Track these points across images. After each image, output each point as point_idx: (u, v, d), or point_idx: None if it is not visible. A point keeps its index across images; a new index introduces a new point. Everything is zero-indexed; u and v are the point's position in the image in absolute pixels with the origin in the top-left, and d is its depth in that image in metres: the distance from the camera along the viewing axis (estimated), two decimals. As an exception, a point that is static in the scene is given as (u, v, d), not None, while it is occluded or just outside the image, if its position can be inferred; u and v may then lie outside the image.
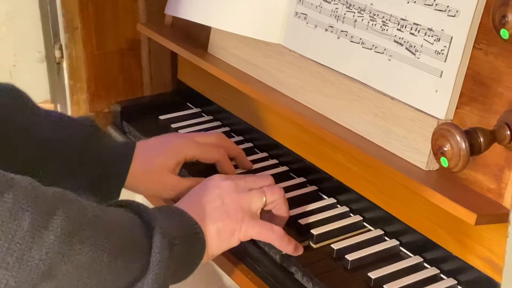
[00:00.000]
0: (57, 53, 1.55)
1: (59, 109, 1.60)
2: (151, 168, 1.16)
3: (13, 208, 0.74)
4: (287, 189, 1.16)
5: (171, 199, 1.17)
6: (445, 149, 0.82)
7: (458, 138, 0.81)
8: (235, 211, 1.01)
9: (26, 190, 0.76)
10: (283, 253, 1.05)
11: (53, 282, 0.78)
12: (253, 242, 1.08)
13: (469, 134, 0.81)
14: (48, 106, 1.60)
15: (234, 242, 1.01)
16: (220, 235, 0.99)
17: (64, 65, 1.55)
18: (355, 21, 1.09)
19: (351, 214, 1.15)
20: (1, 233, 0.73)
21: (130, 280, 0.87)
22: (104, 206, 0.91)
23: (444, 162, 0.83)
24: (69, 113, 1.56)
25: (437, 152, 0.84)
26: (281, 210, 1.07)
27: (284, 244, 1.03)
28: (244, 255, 1.09)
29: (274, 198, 1.06)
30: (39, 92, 1.57)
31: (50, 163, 1.12)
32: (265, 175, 1.13)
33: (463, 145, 0.80)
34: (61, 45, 1.54)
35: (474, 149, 0.81)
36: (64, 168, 1.13)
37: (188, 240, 0.94)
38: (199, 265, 0.97)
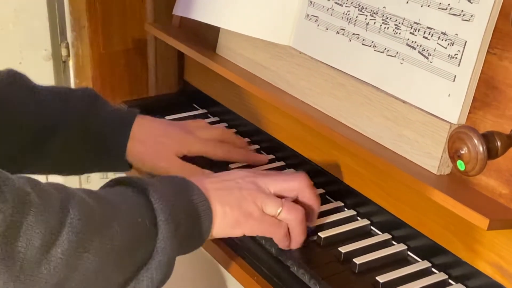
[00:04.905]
0: (63, 51, 1.56)
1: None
2: (152, 140, 1.17)
3: (27, 230, 0.75)
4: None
5: (161, 172, 1.17)
6: (462, 152, 0.82)
7: (476, 141, 0.80)
8: (247, 204, 0.99)
9: (37, 206, 0.76)
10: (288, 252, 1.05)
11: None
12: (261, 245, 1.08)
13: (486, 138, 0.81)
14: (53, 104, 1.60)
15: (236, 233, 1.00)
16: (224, 220, 0.98)
17: (70, 63, 1.55)
18: (367, 24, 1.09)
19: (358, 218, 1.14)
20: (16, 253, 0.74)
21: (135, 269, 0.87)
22: (108, 188, 0.92)
23: (461, 165, 0.83)
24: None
25: (454, 155, 0.84)
26: (295, 231, 1.04)
27: (285, 244, 1.03)
28: (250, 255, 1.09)
29: (289, 217, 1.02)
30: (44, 90, 1.57)
31: (54, 135, 1.13)
32: (299, 174, 1.07)
33: (481, 149, 0.80)
34: (67, 44, 1.55)
35: (491, 153, 0.81)
36: (68, 139, 1.14)
37: (195, 218, 0.94)
38: (204, 242, 0.97)
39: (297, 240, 1.04)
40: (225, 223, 0.98)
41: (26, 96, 1.13)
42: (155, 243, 0.87)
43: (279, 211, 1.02)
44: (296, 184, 1.05)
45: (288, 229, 1.03)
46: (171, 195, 0.92)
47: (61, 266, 0.77)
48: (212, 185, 0.99)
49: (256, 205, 1.00)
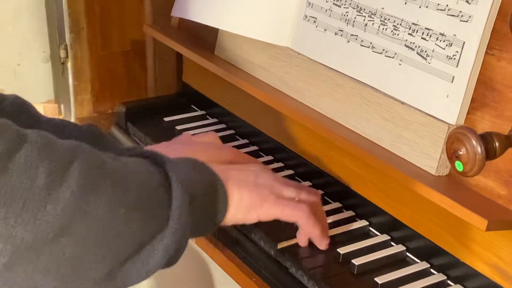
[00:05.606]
0: (62, 53, 1.55)
1: (62, 109, 1.60)
2: None
3: (26, 165, 0.72)
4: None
5: None
6: (460, 153, 0.82)
7: (474, 142, 0.80)
8: (264, 189, 0.98)
9: (40, 145, 0.74)
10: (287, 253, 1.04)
11: (70, 237, 0.76)
12: (260, 246, 1.08)
13: (485, 139, 0.81)
14: (52, 106, 1.61)
15: (251, 218, 0.98)
16: (240, 204, 0.96)
17: (69, 65, 1.55)
18: (366, 25, 1.09)
19: (357, 219, 1.14)
20: (16, 190, 0.72)
21: (148, 233, 0.84)
22: (124, 156, 0.89)
23: (459, 166, 0.82)
24: (72, 113, 1.56)
25: (452, 156, 0.84)
26: (318, 214, 1.04)
27: (310, 224, 1.01)
28: (248, 256, 1.09)
29: (311, 199, 1.02)
30: (43, 92, 1.57)
31: None
32: (315, 190, 1.09)
33: (479, 149, 0.80)
34: (66, 45, 1.54)
35: (490, 154, 0.81)
36: None
37: (210, 197, 0.92)
38: (219, 225, 0.95)
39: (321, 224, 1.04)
40: (240, 206, 0.96)
41: (30, 124, 1.12)
42: (169, 210, 0.84)
43: (296, 198, 1.01)
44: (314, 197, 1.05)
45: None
46: (188, 171, 0.90)
47: (69, 208, 0.74)
48: (229, 171, 0.98)
49: (271, 190, 0.99)
